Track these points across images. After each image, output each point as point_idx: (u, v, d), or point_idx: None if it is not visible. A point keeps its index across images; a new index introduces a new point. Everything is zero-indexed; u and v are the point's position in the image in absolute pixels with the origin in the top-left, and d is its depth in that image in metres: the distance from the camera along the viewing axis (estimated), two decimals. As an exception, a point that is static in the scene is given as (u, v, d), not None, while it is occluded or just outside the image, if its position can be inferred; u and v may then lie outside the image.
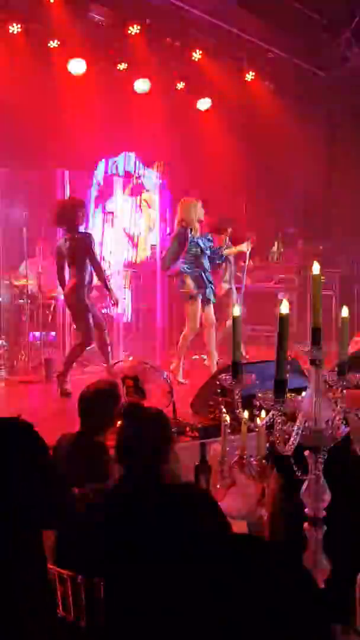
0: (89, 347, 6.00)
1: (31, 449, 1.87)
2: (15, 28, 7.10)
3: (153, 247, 8.59)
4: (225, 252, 6.39)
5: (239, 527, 2.49)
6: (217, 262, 6.49)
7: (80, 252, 5.77)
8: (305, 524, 1.72)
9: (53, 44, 7.47)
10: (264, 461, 2.75)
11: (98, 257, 6.05)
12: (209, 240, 6.25)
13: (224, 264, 6.86)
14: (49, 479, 1.89)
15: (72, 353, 5.93)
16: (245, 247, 6.51)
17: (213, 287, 6.31)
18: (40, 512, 1.86)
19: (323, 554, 1.72)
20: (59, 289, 6.42)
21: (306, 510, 1.71)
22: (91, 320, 5.81)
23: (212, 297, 6.26)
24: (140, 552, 1.88)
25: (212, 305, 6.34)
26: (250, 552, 1.39)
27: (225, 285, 7.15)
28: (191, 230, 6.10)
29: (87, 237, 6.00)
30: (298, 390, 1.75)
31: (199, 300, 6.18)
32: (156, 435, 2.11)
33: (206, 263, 6.21)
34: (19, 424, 1.87)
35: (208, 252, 6.20)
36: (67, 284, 5.89)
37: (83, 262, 5.77)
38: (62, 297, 6.51)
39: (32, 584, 1.81)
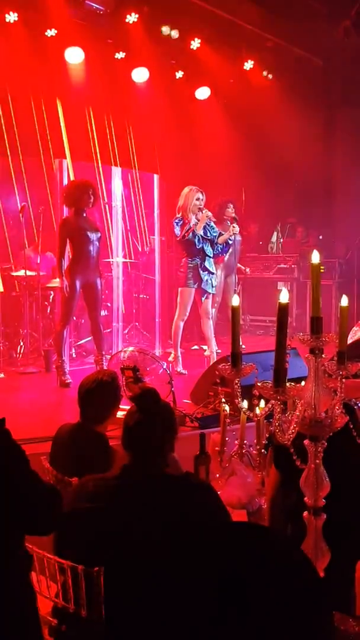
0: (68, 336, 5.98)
1: (6, 457, 1.88)
2: (11, 17, 7.05)
3: (152, 238, 8.57)
4: (219, 239, 6.32)
5: (239, 516, 2.50)
6: (220, 249, 6.43)
7: (82, 234, 5.70)
8: (305, 513, 1.72)
9: (50, 32, 7.42)
10: (263, 451, 2.77)
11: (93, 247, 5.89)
12: (210, 226, 6.20)
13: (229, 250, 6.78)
14: (26, 488, 1.90)
15: (54, 340, 5.94)
16: (232, 229, 6.42)
17: (212, 278, 6.26)
18: (20, 520, 1.89)
19: (323, 543, 1.72)
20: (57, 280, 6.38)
21: (306, 499, 1.71)
22: (74, 306, 5.76)
23: (209, 289, 6.21)
24: (141, 541, 1.89)
25: (210, 296, 6.31)
26: (251, 541, 1.39)
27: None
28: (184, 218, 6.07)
29: (94, 224, 5.96)
30: (297, 380, 1.75)
31: (192, 291, 6.16)
32: (166, 424, 2.11)
33: (208, 250, 6.17)
34: None
35: (209, 236, 6.15)
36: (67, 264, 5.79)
37: (82, 243, 5.71)
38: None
39: (13, 593, 1.85)
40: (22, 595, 1.90)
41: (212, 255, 6.24)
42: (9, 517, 1.86)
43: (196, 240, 6.06)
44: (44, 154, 8.05)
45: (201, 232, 6.07)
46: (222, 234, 6.36)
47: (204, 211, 6.07)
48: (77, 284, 5.70)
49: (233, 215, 6.79)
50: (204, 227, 6.09)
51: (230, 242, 6.47)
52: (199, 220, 6.07)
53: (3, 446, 1.89)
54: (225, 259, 7.06)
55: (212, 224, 6.23)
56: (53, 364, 5.94)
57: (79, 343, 6.89)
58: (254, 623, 1.37)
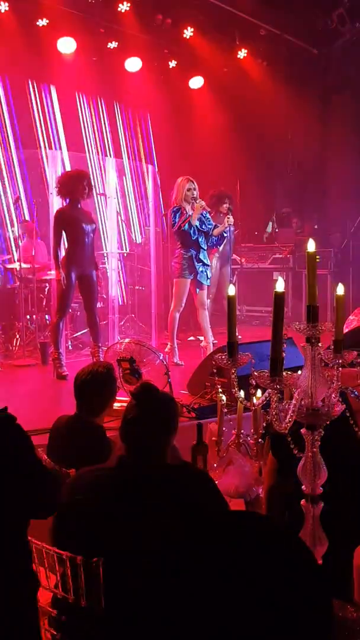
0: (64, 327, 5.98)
1: (12, 442, 1.90)
2: (2, 6, 6.99)
3: (147, 229, 8.55)
4: (215, 232, 6.30)
5: (237, 505, 2.51)
6: (214, 242, 6.42)
7: (77, 225, 5.67)
8: (303, 501, 1.73)
9: (42, 22, 7.37)
10: (260, 440, 2.77)
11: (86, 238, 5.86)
12: (206, 218, 6.18)
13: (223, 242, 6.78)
14: (31, 472, 1.93)
15: (50, 333, 5.93)
16: (227, 221, 6.40)
17: (207, 269, 6.25)
18: (25, 504, 1.91)
19: (321, 530, 1.73)
20: (53, 272, 6.36)
21: (303, 487, 1.72)
22: (69, 297, 5.75)
23: (204, 280, 6.21)
24: (139, 531, 1.89)
25: (205, 287, 6.30)
26: (250, 529, 1.40)
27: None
28: (182, 208, 6.05)
29: (90, 215, 5.94)
30: (293, 369, 1.75)
31: (188, 282, 6.15)
32: (165, 420, 2.12)
33: (202, 242, 6.16)
34: (3, 417, 1.90)
35: (204, 228, 6.14)
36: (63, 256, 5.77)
37: (78, 235, 5.69)
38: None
39: (13, 577, 1.87)
40: (23, 584, 1.92)
41: (206, 248, 6.24)
42: (13, 500, 1.88)
43: (191, 232, 6.05)
44: (38, 145, 8.01)
45: (197, 224, 6.06)
46: (217, 227, 6.34)
47: (198, 201, 6.06)
48: (73, 275, 5.67)
49: (228, 207, 6.79)
50: (200, 220, 6.08)
51: (225, 234, 6.47)
52: (193, 210, 6.05)
53: (10, 431, 1.91)
54: (220, 249, 7.05)
55: (208, 215, 6.21)
56: (49, 357, 5.94)
57: (75, 335, 6.89)
58: (253, 611, 1.38)
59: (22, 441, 1.95)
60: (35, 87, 8.08)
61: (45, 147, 7.99)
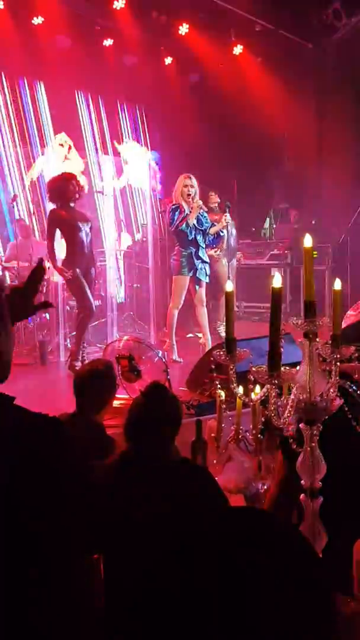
0: (92, 321, 5.94)
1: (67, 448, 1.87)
2: (-3, 5, 6.99)
3: (144, 227, 8.53)
4: (211, 230, 6.30)
5: (236, 501, 2.51)
6: (211, 240, 6.43)
7: (73, 224, 5.68)
8: (302, 496, 1.74)
9: (37, 20, 7.35)
10: (259, 436, 2.78)
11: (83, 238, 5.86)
12: (203, 216, 6.18)
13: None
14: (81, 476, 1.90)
15: (77, 329, 5.90)
16: (224, 220, 6.41)
17: (206, 266, 6.24)
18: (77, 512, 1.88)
19: (320, 524, 1.73)
20: (51, 269, 6.35)
21: (302, 481, 1.72)
22: (88, 292, 5.75)
23: (203, 277, 6.20)
24: (140, 527, 1.90)
25: (204, 284, 6.30)
26: (249, 524, 1.40)
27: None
28: (180, 206, 6.04)
29: (84, 214, 5.94)
30: (292, 366, 1.75)
31: (187, 279, 6.15)
32: (170, 420, 2.12)
33: (200, 240, 6.16)
34: (57, 423, 1.87)
35: (202, 227, 6.14)
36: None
37: (75, 235, 5.70)
38: (53, 278, 6.43)
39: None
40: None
41: (204, 246, 6.23)
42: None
43: (189, 232, 6.05)
44: (32, 143, 8.00)
45: (194, 222, 6.06)
46: (214, 225, 6.33)
47: (195, 200, 6.05)
48: (78, 272, 5.70)
49: (218, 201, 6.78)
50: (197, 218, 6.09)
51: (222, 234, 6.46)
52: (192, 209, 6.04)
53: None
54: (225, 245, 7.10)
55: (205, 214, 6.22)
56: (48, 355, 5.94)
57: (73, 334, 6.87)
58: (254, 605, 1.38)
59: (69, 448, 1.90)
60: (30, 84, 8.07)
61: (39, 145, 7.98)
